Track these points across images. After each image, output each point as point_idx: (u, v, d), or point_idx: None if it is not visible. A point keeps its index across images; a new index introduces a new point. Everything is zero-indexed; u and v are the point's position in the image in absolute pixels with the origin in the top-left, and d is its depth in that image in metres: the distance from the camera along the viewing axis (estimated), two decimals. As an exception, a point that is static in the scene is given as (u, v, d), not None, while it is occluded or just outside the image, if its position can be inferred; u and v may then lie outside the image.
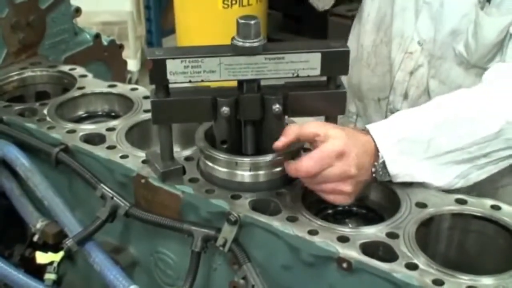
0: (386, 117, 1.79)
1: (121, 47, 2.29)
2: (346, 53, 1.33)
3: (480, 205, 1.32)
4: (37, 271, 1.53)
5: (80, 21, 2.24)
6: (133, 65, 4.52)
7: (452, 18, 1.63)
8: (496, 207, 1.30)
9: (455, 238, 1.34)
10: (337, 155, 1.28)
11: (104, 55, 2.18)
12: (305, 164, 1.28)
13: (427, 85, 1.72)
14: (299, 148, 1.38)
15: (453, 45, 1.64)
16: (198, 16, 4.49)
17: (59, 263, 1.45)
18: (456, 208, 1.32)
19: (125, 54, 2.42)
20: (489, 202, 1.32)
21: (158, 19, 5.33)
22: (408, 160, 1.35)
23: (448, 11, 1.64)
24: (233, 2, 4.41)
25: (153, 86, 1.34)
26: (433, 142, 1.37)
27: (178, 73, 1.30)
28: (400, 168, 1.35)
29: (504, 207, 1.30)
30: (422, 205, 1.32)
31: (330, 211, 1.41)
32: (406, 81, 1.74)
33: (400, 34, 1.74)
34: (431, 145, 1.37)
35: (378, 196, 1.40)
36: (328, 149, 1.28)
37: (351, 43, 1.89)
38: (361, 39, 1.88)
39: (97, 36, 2.17)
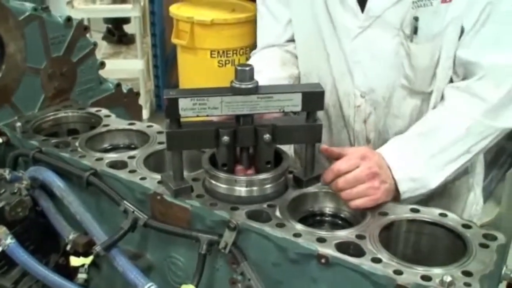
0: None
1: (137, 94, 2.35)
2: (322, 93, 1.44)
3: (430, 213, 1.41)
4: (69, 276, 1.61)
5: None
6: (143, 114, 4.67)
7: (383, 64, 1.66)
8: (443, 215, 1.40)
9: (411, 239, 1.41)
10: (361, 156, 1.44)
11: (124, 101, 2.24)
12: (337, 164, 1.43)
13: (382, 125, 1.75)
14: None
15: (395, 82, 1.67)
16: (197, 73, 4.65)
17: (89, 266, 1.54)
18: (411, 215, 1.41)
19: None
20: (438, 210, 1.41)
21: (164, 76, 5.47)
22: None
23: (378, 61, 1.66)
24: (227, 62, 4.63)
25: (168, 120, 1.42)
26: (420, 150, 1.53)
27: (188, 109, 1.39)
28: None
29: (450, 214, 1.40)
30: (384, 214, 1.41)
31: (310, 220, 1.49)
32: (364, 129, 1.78)
33: (346, 94, 1.76)
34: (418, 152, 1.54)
35: (349, 208, 1.48)
36: (352, 151, 1.46)
37: None
38: None
39: (118, 85, 2.23)
